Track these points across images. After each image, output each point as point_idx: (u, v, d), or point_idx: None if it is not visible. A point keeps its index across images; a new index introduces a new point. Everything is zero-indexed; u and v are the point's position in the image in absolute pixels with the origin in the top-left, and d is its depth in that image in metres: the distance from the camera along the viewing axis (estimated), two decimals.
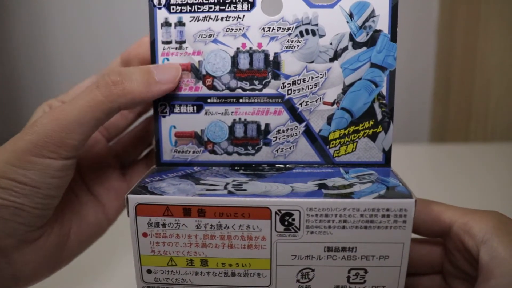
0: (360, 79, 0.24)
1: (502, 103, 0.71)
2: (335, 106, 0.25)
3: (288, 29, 0.24)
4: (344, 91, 0.25)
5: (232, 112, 0.25)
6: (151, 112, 0.29)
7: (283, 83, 0.25)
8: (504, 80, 0.70)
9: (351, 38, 0.24)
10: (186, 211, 0.21)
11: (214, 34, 0.25)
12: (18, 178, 0.21)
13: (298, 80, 0.25)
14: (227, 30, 0.25)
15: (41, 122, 0.21)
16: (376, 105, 0.25)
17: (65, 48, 0.90)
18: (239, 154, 0.26)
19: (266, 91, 0.25)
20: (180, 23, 0.25)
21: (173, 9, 0.25)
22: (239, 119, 0.25)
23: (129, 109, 0.26)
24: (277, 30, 0.24)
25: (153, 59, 0.25)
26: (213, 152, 0.26)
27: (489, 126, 0.73)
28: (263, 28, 0.24)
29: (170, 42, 0.25)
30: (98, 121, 0.22)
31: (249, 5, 0.24)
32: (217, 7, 0.24)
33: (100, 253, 0.28)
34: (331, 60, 0.24)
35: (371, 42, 0.24)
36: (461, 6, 0.77)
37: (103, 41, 0.89)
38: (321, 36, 0.24)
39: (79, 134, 0.21)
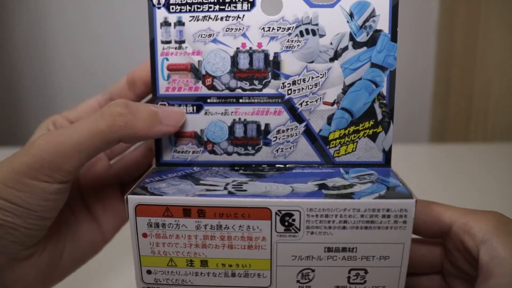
0: (360, 79, 0.24)
1: (502, 103, 0.71)
2: (335, 106, 0.25)
3: (288, 29, 0.24)
4: (344, 91, 0.25)
5: (232, 112, 0.25)
6: None
7: (283, 83, 0.25)
8: (504, 80, 0.70)
9: (352, 38, 0.24)
10: (186, 211, 0.21)
11: (213, 34, 0.25)
12: (12, 199, 0.20)
13: (298, 80, 0.25)
14: (227, 30, 0.24)
15: (38, 144, 0.21)
16: (376, 105, 0.25)
17: (65, 48, 0.90)
18: (239, 154, 0.26)
19: (266, 91, 0.25)
20: (180, 23, 0.25)
21: (172, 8, 0.24)
22: (239, 119, 0.25)
23: (128, 143, 0.26)
24: (277, 30, 0.24)
25: (153, 59, 0.25)
26: (213, 152, 0.26)
27: (489, 126, 0.73)
28: (263, 28, 0.24)
29: (169, 42, 0.25)
30: (97, 149, 0.22)
31: (249, 4, 0.24)
32: (217, 7, 0.24)
33: (99, 254, 0.28)
34: (331, 60, 0.24)
35: (372, 42, 0.24)
36: (461, 6, 0.77)
37: (102, 41, 0.89)
38: (321, 36, 0.24)
39: (76, 160, 0.21)
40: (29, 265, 0.23)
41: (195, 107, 0.25)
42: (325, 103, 0.25)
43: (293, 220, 0.20)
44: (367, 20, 0.24)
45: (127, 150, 0.30)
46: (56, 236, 0.25)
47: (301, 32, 0.24)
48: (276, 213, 0.20)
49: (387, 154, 0.25)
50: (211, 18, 0.24)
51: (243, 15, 0.24)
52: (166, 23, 0.25)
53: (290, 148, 0.25)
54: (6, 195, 0.20)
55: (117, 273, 0.37)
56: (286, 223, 0.20)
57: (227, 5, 0.24)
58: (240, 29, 0.24)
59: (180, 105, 0.25)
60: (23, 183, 0.20)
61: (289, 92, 0.25)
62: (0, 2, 0.88)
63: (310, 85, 0.25)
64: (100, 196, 0.28)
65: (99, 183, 0.28)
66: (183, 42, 0.25)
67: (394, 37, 0.24)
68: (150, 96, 0.27)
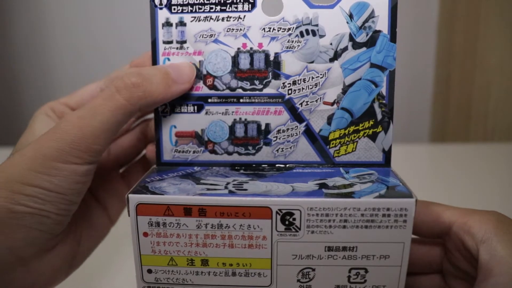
0: (360, 79, 0.24)
1: (502, 103, 0.71)
2: (335, 106, 0.25)
3: (289, 29, 0.24)
4: (344, 91, 0.25)
5: (233, 112, 0.25)
6: (149, 115, 0.29)
7: (283, 83, 0.25)
8: (504, 80, 0.70)
9: (351, 38, 0.24)
10: (187, 210, 0.21)
11: (215, 34, 0.25)
12: (43, 184, 0.20)
13: (298, 80, 0.25)
14: (228, 30, 0.25)
15: (64, 128, 0.21)
16: (376, 105, 0.25)
17: (65, 48, 0.90)
18: (240, 154, 0.26)
19: (267, 91, 0.25)
20: (181, 23, 0.25)
21: (174, 9, 0.25)
22: (240, 119, 0.25)
23: (148, 110, 0.26)
24: (278, 31, 0.24)
25: (154, 59, 0.25)
26: (213, 152, 0.26)
27: (489, 126, 0.73)
28: (264, 28, 0.24)
29: (171, 42, 0.25)
30: (120, 124, 0.22)
31: (250, 5, 0.24)
32: (218, 8, 0.24)
33: (100, 253, 0.28)
34: (331, 60, 0.24)
35: (371, 42, 0.24)
36: (461, 6, 0.77)
37: (103, 41, 0.89)
38: (321, 36, 0.24)
39: (104, 139, 0.21)
40: (54, 255, 0.23)
41: (196, 107, 0.25)
42: (325, 103, 0.25)
43: (294, 219, 0.20)
44: (366, 20, 0.24)
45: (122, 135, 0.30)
46: (74, 225, 0.25)
47: (301, 32, 0.24)
48: (276, 212, 0.20)
49: (387, 154, 0.25)
50: (212, 19, 0.25)
51: (244, 16, 0.24)
52: (168, 24, 0.25)
53: (291, 148, 0.25)
54: (37, 181, 0.20)
55: (117, 272, 0.37)
56: (287, 222, 0.20)
57: (228, 5, 0.24)
58: (241, 29, 0.25)
59: (181, 105, 0.25)
60: (54, 167, 0.21)
61: (290, 92, 0.25)
62: (0, 2, 0.88)
63: (310, 85, 0.25)
64: (102, 181, 0.28)
65: (100, 168, 0.28)
66: (185, 42, 0.25)
67: (393, 37, 0.24)
68: None
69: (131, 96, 0.22)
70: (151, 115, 0.26)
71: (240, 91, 0.25)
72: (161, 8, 0.25)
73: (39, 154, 0.21)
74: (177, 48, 0.25)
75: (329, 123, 0.25)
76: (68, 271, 0.25)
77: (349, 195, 0.21)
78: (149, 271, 0.22)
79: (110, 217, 0.28)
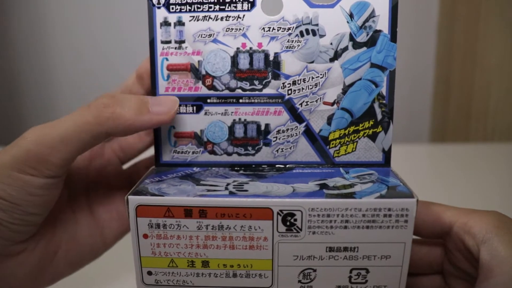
0: (360, 79, 0.24)
1: (502, 103, 0.71)
2: (335, 106, 0.25)
3: (288, 29, 0.24)
4: (344, 91, 0.25)
5: (232, 112, 0.25)
6: None
7: (283, 83, 0.25)
8: (504, 80, 0.70)
9: (351, 38, 0.24)
10: (187, 212, 0.21)
11: (214, 34, 0.25)
12: None
13: (298, 80, 0.25)
14: (227, 30, 0.24)
15: (25, 136, 0.20)
16: (376, 105, 0.25)
17: (65, 48, 0.90)
18: (239, 154, 0.25)
19: (266, 91, 0.25)
20: (180, 23, 0.25)
21: (172, 8, 0.24)
22: (239, 119, 0.25)
23: (119, 136, 0.25)
24: (277, 30, 0.24)
25: (152, 59, 0.25)
26: (212, 152, 0.26)
27: (489, 126, 0.73)
28: (263, 28, 0.24)
29: (169, 42, 0.25)
30: (84, 142, 0.21)
31: (249, 4, 0.24)
32: (217, 7, 0.24)
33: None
34: (331, 60, 0.24)
35: (371, 42, 0.24)
36: (461, 6, 0.77)
37: (102, 41, 0.89)
38: (321, 36, 0.24)
39: (62, 153, 0.21)
40: (18, 262, 0.22)
41: (195, 107, 0.25)
42: (325, 103, 0.25)
43: (295, 220, 0.20)
44: (367, 20, 0.24)
45: (140, 154, 0.29)
46: (50, 234, 0.24)
47: (301, 32, 0.24)
48: (277, 213, 0.20)
49: (387, 154, 0.25)
50: (211, 18, 0.24)
51: (243, 15, 0.24)
52: (166, 23, 0.25)
53: (290, 148, 0.25)
54: None
55: (117, 274, 0.37)
56: (288, 223, 0.20)
57: (227, 5, 0.24)
58: (240, 29, 0.24)
59: (180, 105, 0.25)
60: (9, 175, 0.20)
61: (289, 92, 0.25)
62: (0, 2, 0.88)
63: (310, 85, 0.25)
64: (107, 199, 0.27)
65: (108, 187, 0.27)
66: (183, 42, 0.25)
67: (393, 37, 0.24)
68: None
69: (99, 115, 0.21)
70: None
71: (239, 91, 0.25)
72: (159, 7, 0.24)
73: (2, 160, 0.20)
74: (175, 48, 0.25)
75: (329, 123, 0.25)
76: (37, 282, 0.24)
77: (350, 195, 0.21)
78: (149, 273, 0.22)
79: (104, 239, 0.27)
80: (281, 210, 0.20)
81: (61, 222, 0.25)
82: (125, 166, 0.30)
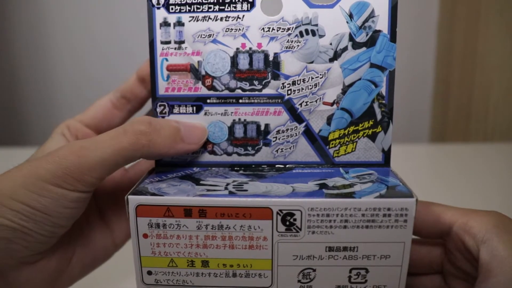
0: (359, 79, 0.24)
1: (502, 103, 0.71)
2: (334, 106, 0.25)
3: (288, 29, 0.24)
4: (344, 91, 0.25)
5: (232, 112, 0.25)
6: None
7: (283, 84, 0.25)
8: (504, 80, 0.70)
9: (351, 38, 0.24)
10: (187, 211, 0.21)
11: (213, 34, 0.25)
12: (31, 203, 0.21)
13: (298, 80, 0.25)
14: (227, 30, 0.24)
15: (63, 154, 0.21)
16: (375, 105, 0.25)
17: (65, 48, 0.90)
18: (239, 154, 0.26)
19: (266, 91, 0.25)
20: (179, 23, 0.25)
21: (172, 9, 0.24)
22: (239, 119, 0.25)
23: (149, 159, 0.25)
24: (277, 30, 0.24)
25: (152, 59, 0.25)
26: (212, 152, 0.26)
27: (489, 126, 0.73)
28: (263, 28, 0.24)
29: (169, 42, 0.25)
30: (118, 165, 0.22)
31: (249, 5, 0.24)
32: (217, 7, 0.24)
33: None
34: (331, 60, 0.24)
35: (371, 42, 0.24)
36: (461, 6, 0.77)
37: (102, 41, 0.89)
38: (321, 36, 0.24)
39: (98, 173, 0.21)
40: (36, 269, 0.23)
41: (194, 108, 0.25)
42: (324, 103, 0.25)
43: (295, 219, 0.20)
44: (366, 20, 0.24)
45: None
46: (66, 241, 0.25)
47: (300, 32, 0.24)
48: (277, 213, 0.20)
49: (386, 154, 0.25)
50: (210, 19, 0.24)
51: (243, 16, 0.24)
52: (165, 24, 0.25)
53: (290, 148, 0.25)
54: (26, 199, 0.21)
55: (117, 274, 0.37)
56: (287, 223, 0.20)
57: (226, 5, 0.24)
58: (240, 29, 0.24)
59: (179, 106, 0.25)
60: (45, 188, 0.21)
61: (289, 92, 0.25)
62: (0, 2, 0.88)
63: (310, 86, 0.25)
64: (114, 202, 0.28)
65: (115, 189, 0.28)
66: (183, 42, 0.25)
67: (393, 37, 0.24)
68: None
69: (136, 142, 0.22)
70: None
71: (239, 91, 0.25)
72: (158, 8, 0.25)
73: (34, 173, 0.21)
74: (175, 49, 0.25)
75: (328, 123, 0.25)
76: (53, 287, 0.24)
77: (350, 195, 0.21)
78: (149, 272, 0.22)
79: (114, 240, 0.27)
80: (280, 210, 0.20)
81: (75, 229, 0.25)
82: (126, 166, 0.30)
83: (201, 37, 0.25)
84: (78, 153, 0.21)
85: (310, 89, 0.25)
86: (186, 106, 0.25)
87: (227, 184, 0.22)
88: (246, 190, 0.21)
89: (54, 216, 0.21)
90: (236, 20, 0.24)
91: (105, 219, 0.27)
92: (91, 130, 0.28)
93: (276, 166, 0.25)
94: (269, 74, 0.25)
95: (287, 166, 0.25)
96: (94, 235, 0.26)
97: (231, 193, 0.21)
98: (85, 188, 0.22)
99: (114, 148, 0.21)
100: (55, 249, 0.24)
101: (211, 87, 0.25)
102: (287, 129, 0.25)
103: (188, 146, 0.24)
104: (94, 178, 0.22)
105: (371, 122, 0.25)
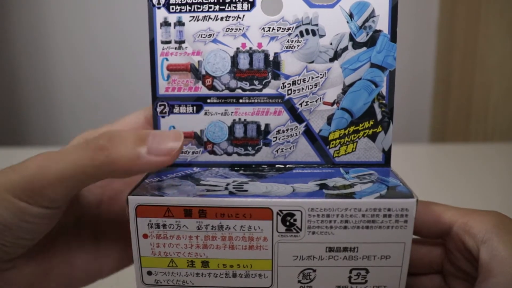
0: (360, 79, 0.24)
1: (502, 103, 0.71)
2: (335, 106, 0.25)
3: (288, 29, 0.24)
4: (344, 91, 0.25)
5: (232, 112, 0.25)
6: None
7: (283, 83, 0.25)
8: (504, 80, 0.70)
9: (351, 38, 0.24)
10: (187, 212, 0.21)
11: (213, 34, 0.25)
12: None
13: (298, 80, 0.25)
14: (227, 30, 0.24)
15: (28, 164, 0.20)
16: (376, 105, 0.25)
17: (65, 48, 0.90)
18: (239, 154, 0.25)
19: (266, 91, 0.25)
20: (180, 23, 0.25)
21: (172, 8, 0.24)
22: (239, 119, 0.25)
23: (118, 178, 0.23)
24: (277, 30, 0.24)
25: (152, 59, 0.25)
26: (212, 152, 0.26)
27: (489, 126, 0.73)
28: (263, 28, 0.24)
29: (169, 42, 0.25)
30: (81, 181, 0.20)
31: (249, 5, 0.24)
32: (217, 7, 0.24)
33: None
34: (331, 60, 0.24)
35: (371, 42, 0.24)
36: (461, 6, 0.77)
37: (102, 41, 0.89)
38: (321, 36, 0.24)
39: (59, 189, 0.20)
40: (5, 278, 0.22)
41: (195, 107, 0.25)
42: (325, 103, 0.25)
43: (295, 220, 0.20)
44: (366, 20, 0.24)
45: None
46: (44, 254, 0.24)
47: (301, 32, 0.24)
48: (277, 213, 0.20)
49: (387, 154, 0.25)
50: (211, 18, 0.24)
51: (243, 15, 0.24)
52: (166, 23, 0.25)
53: (290, 148, 0.25)
54: None
55: (116, 274, 0.37)
56: (288, 223, 0.20)
57: (227, 5, 0.24)
58: (240, 29, 0.24)
59: (180, 105, 0.25)
60: (7, 199, 0.20)
61: (289, 92, 0.25)
62: (0, 2, 0.88)
63: (310, 85, 0.25)
64: (115, 229, 0.26)
65: (119, 217, 0.26)
66: (183, 42, 0.25)
67: (393, 37, 0.24)
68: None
69: (94, 157, 0.20)
70: None
71: (239, 91, 0.25)
72: (159, 8, 0.24)
73: (2, 182, 0.20)
74: (175, 48, 0.25)
75: (329, 123, 0.25)
76: None
77: (350, 195, 0.21)
78: (149, 273, 0.22)
79: (101, 267, 0.26)
80: (280, 210, 0.20)
81: (56, 244, 0.24)
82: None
83: (201, 36, 0.25)
84: (41, 164, 0.20)
85: (310, 89, 0.25)
86: (186, 106, 0.25)
87: (227, 184, 0.22)
88: (246, 190, 0.21)
89: (14, 229, 0.20)
90: (237, 20, 0.24)
91: (98, 243, 0.26)
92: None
93: (276, 166, 0.25)
94: (269, 74, 0.25)
95: (287, 166, 0.25)
96: (80, 255, 0.25)
97: (231, 193, 0.21)
98: (48, 204, 0.20)
99: (74, 163, 0.20)
100: (28, 261, 0.23)
101: (211, 87, 0.25)
102: (287, 129, 0.25)
103: (155, 158, 0.20)
104: (56, 195, 0.20)
105: (371, 122, 0.25)
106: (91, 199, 0.26)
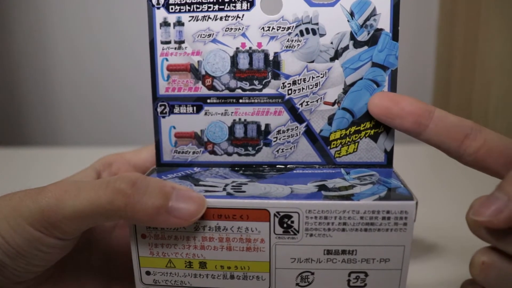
0: (361, 78, 0.24)
1: (502, 103, 0.71)
2: (336, 106, 0.25)
3: (288, 28, 0.24)
4: (345, 91, 0.24)
5: (232, 112, 0.25)
6: None
7: (283, 83, 0.25)
8: (504, 80, 0.70)
9: (352, 37, 0.24)
10: None
11: (213, 34, 0.24)
12: (7, 237, 0.20)
13: (298, 80, 0.24)
14: (227, 29, 0.24)
15: (46, 194, 0.20)
16: None
17: (65, 48, 0.90)
18: (239, 154, 0.25)
19: (266, 91, 0.25)
20: (179, 23, 0.24)
21: (172, 8, 0.24)
22: (239, 119, 0.25)
23: (132, 223, 0.22)
24: (277, 30, 0.24)
25: (152, 59, 0.25)
26: (213, 152, 0.25)
27: (489, 126, 0.73)
28: (263, 28, 0.24)
29: (169, 42, 0.25)
30: (96, 221, 0.20)
31: (249, 4, 0.24)
32: (216, 7, 0.24)
33: None
34: (332, 59, 0.24)
35: (372, 41, 0.24)
36: (461, 6, 0.77)
37: (102, 41, 0.89)
38: (321, 35, 0.24)
39: (74, 224, 0.20)
40: None
41: (195, 108, 0.25)
42: (325, 103, 0.25)
43: (292, 221, 0.20)
44: (368, 19, 0.24)
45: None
46: (57, 277, 0.24)
47: (301, 31, 0.24)
48: (274, 215, 0.20)
49: (389, 155, 0.25)
50: (210, 18, 0.24)
51: (243, 15, 0.24)
52: (165, 23, 0.24)
53: (291, 148, 0.25)
54: (4, 233, 0.20)
55: None
56: (285, 225, 0.20)
57: (226, 4, 0.24)
58: (239, 29, 0.24)
59: (180, 105, 0.25)
60: (22, 227, 0.20)
61: (290, 92, 0.25)
62: (0, 2, 0.88)
63: (311, 85, 0.24)
64: (127, 255, 0.25)
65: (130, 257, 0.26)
66: (183, 42, 0.25)
67: (395, 36, 0.24)
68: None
69: (113, 202, 0.19)
70: None
71: (239, 91, 0.25)
72: (158, 8, 0.24)
73: (18, 208, 0.20)
74: (175, 48, 0.25)
75: (330, 123, 0.25)
76: None
77: (348, 197, 0.20)
78: (148, 272, 0.22)
79: None
80: (278, 212, 0.20)
81: (68, 270, 0.24)
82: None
83: (201, 36, 0.24)
84: (59, 197, 0.19)
85: (311, 88, 0.24)
86: (186, 106, 0.25)
87: (226, 185, 0.22)
88: (244, 191, 0.21)
89: (28, 256, 0.20)
90: (236, 19, 0.24)
91: (109, 269, 0.26)
92: (138, 173, 0.24)
93: (277, 166, 0.25)
94: (269, 73, 0.25)
95: (287, 166, 0.25)
96: (90, 282, 0.25)
97: (229, 194, 0.21)
98: (62, 236, 0.20)
99: (91, 201, 0.19)
100: (41, 282, 0.23)
101: (211, 87, 0.25)
102: (288, 129, 0.25)
103: (174, 220, 0.20)
104: (70, 228, 0.20)
105: (373, 122, 0.25)
106: (107, 224, 0.26)
